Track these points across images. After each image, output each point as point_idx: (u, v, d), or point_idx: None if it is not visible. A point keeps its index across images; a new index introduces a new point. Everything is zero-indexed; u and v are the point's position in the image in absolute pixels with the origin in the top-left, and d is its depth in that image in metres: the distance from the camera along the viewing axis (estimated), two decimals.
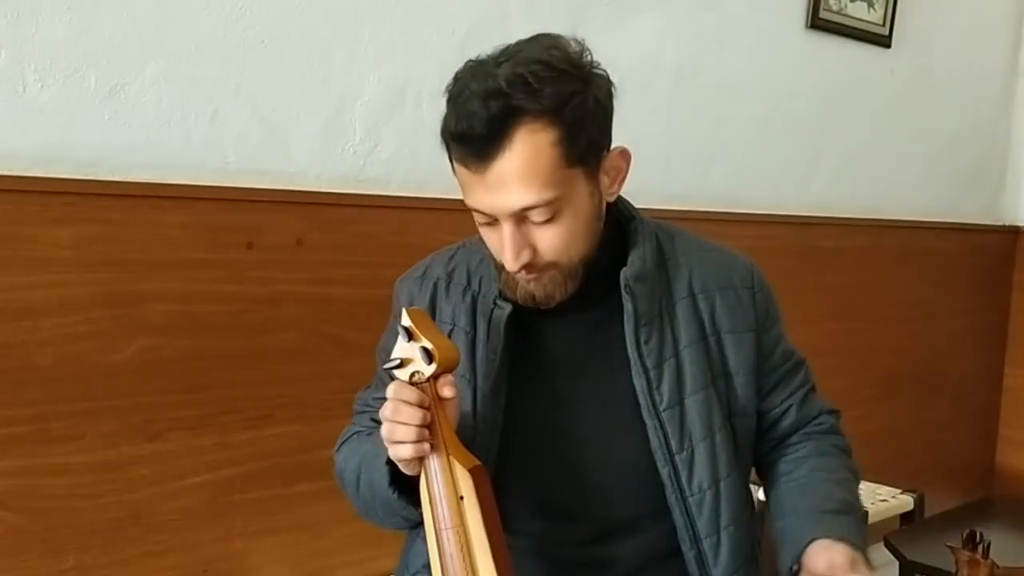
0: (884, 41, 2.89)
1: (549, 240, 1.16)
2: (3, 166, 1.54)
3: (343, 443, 1.38)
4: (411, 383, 1.12)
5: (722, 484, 1.24)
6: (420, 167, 1.99)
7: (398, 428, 1.10)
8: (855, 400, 2.83)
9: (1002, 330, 3.47)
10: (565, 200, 1.14)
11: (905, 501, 2.39)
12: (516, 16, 2.09)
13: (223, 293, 1.74)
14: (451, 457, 1.11)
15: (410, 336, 1.12)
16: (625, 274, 1.23)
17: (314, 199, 1.84)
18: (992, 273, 3.41)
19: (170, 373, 1.70)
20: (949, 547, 1.31)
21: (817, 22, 2.69)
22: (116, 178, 1.64)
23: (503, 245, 1.15)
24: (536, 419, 1.26)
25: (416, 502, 1.16)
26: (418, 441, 1.10)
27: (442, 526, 1.11)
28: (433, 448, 1.11)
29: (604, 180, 1.21)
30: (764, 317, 1.31)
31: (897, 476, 2.55)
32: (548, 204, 1.13)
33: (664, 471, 1.23)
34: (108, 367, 1.63)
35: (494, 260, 1.23)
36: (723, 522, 1.24)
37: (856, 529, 1.21)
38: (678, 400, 1.23)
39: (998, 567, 1.27)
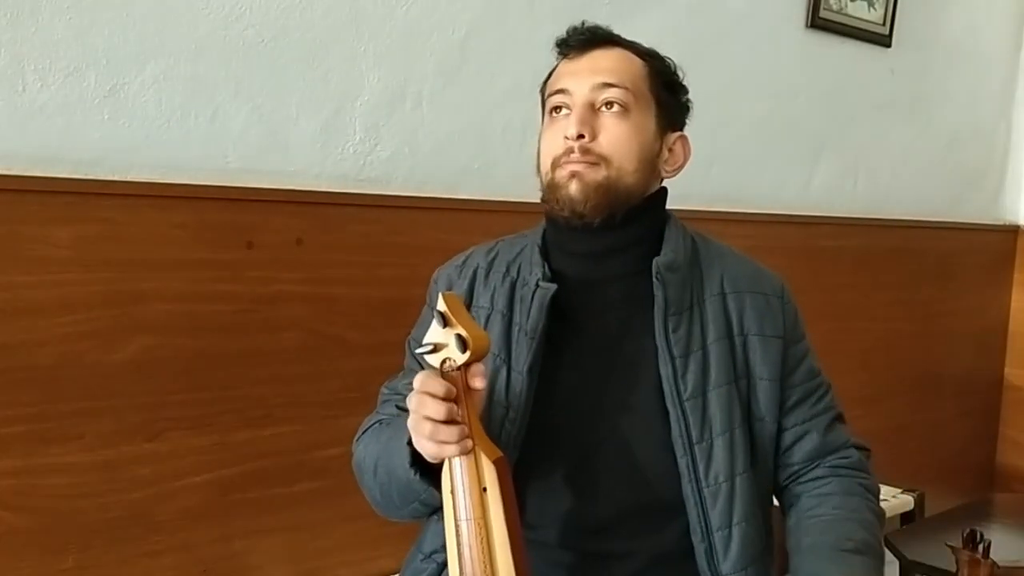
0: (884, 41, 2.89)
1: (612, 130, 1.25)
2: (3, 166, 1.54)
3: (364, 432, 1.38)
4: (442, 369, 1.10)
5: (737, 479, 1.26)
6: (420, 167, 1.99)
7: (425, 424, 1.08)
8: (855, 400, 2.82)
9: (1002, 330, 3.47)
10: (636, 107, 1.27)
11: (905, 501, 2.39)
12: (516, 16, 2.09)
13: (223, 293, 1.74)
14: (476, 447, 1.10)
15: (445, 322, 1.09)
16: (657, 263, 1.27)
17: (314, 199, 1.84)
18: (992, 273, 3.41)
19: (170, 373, 1.69)
20: (949, 547, 1.31)
21: (817, 22, 2.69)
22: (116, 178, 1.63)
23: (570, 121, 1.25)
24: (564, 400, 1.28)
25: (436, 485, 1.15)
26: (444, 442, 1.08)
27: (462, 517, 1.09)
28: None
29: (665, 153, 1.32)
30: (792, 328, 1.35)
31: (897, 476, 2.55)
32: (625, 91, 1.26)
33: (683, 460, 1.25)
34: (108, 367, 1.63)
35: (542, 164, 1.29)
36: (735, 517, 1.25)
37: (872, 569, 1.22)
38: (701, 391, 1.26)
39: (998, 567, 1.27)
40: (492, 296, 1.33)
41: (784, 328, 1.33)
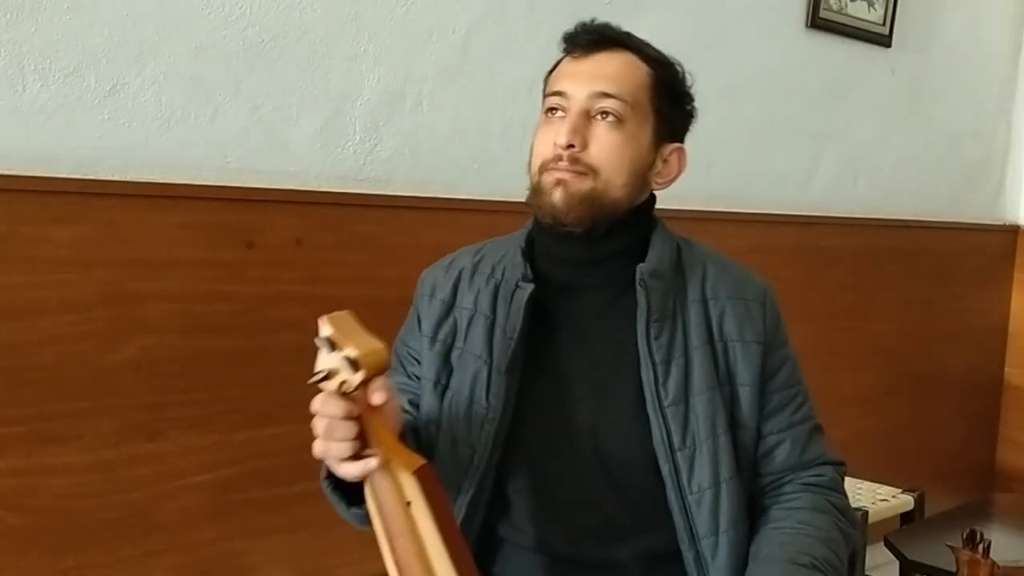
0: (884, 41, 2.89)
1: (603, 140, 1.23)
2: (3, 166, 1.54)
3: None
4: (341, 393, 1.06)
5: (723, 486, 1.24)
6: (420, 167, 1.99)
7: (332, 446, 1.07)
8: (855, 400, 2.83)
9: (1002, 330, 3.47)
10: (632, 119, 1.24)
11: (905, 501, 2.39)
12: (516, 16, 2.09)
13: (223, 293, 1.74)
14: (391, 463, 1.06)
15: (332, 346, 1.06)
16: (641, 269, 1.26)
17: (314, 199, 1.84)
18: (992, 273, 3.41)
19: (170, 373, 1.70)
20: (949, 547, 1.31)
21: (817, 22, 2.69)
22: (116, 178, 1.64)
23: (562, 126, 1.23)
24: (545, 403, 1.27)
25: (356, 501, 1.14)
26: (354, 458, 1.06)
27: (394, 534, 1.07)
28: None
29: (658, 165, 1.30)
30: (773, 334, 1.32)
31: (897, 476, 2.55)
32: (622, 103, 1.23)
33: (665, 468, 1.24)
34: (108, 367, 1.63)
35: (532, 164, 1.27)
36: (722, 524, 1.24)
37: None
38: (684, 398, 1.25)
39: (998, 567, 1.27)
40: (476, 298, 1.32)
41: (764, 333, 1.30)
